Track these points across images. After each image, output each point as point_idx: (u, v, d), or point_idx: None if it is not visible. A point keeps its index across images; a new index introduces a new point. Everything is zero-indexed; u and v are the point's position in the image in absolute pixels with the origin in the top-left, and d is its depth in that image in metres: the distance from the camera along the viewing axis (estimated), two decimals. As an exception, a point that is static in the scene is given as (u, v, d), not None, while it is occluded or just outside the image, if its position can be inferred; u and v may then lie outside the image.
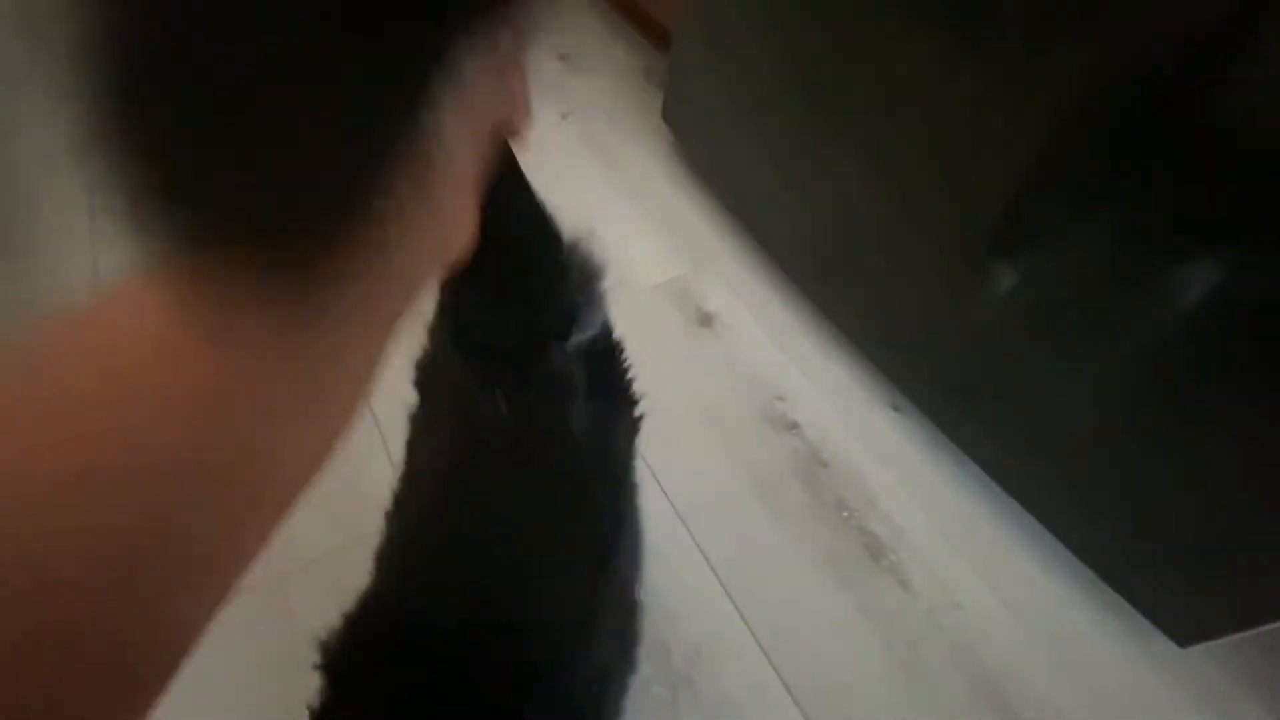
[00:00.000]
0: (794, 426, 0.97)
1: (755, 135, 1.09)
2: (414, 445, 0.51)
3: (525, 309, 0.43)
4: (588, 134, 1.38)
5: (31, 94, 1.16)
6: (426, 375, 0.53)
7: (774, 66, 1.01)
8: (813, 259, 1.07)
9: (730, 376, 1.02)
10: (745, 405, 0.99)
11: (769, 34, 1.01)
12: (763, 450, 0.94)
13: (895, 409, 1.01)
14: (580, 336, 0.46)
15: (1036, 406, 0.81)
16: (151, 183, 0.15)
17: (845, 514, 0.89)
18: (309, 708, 0.37)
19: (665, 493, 0.89)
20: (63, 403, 0.15)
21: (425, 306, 0.44)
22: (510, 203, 0.39)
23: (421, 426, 0.51)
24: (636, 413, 0.54)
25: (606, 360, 0.52)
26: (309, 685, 0.37)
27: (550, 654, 0.41)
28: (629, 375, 0.54)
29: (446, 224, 0.21)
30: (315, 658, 0.38)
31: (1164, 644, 0.77)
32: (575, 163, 1.32)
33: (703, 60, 1.16)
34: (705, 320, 1.08)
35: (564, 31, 1.62)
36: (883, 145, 0.88)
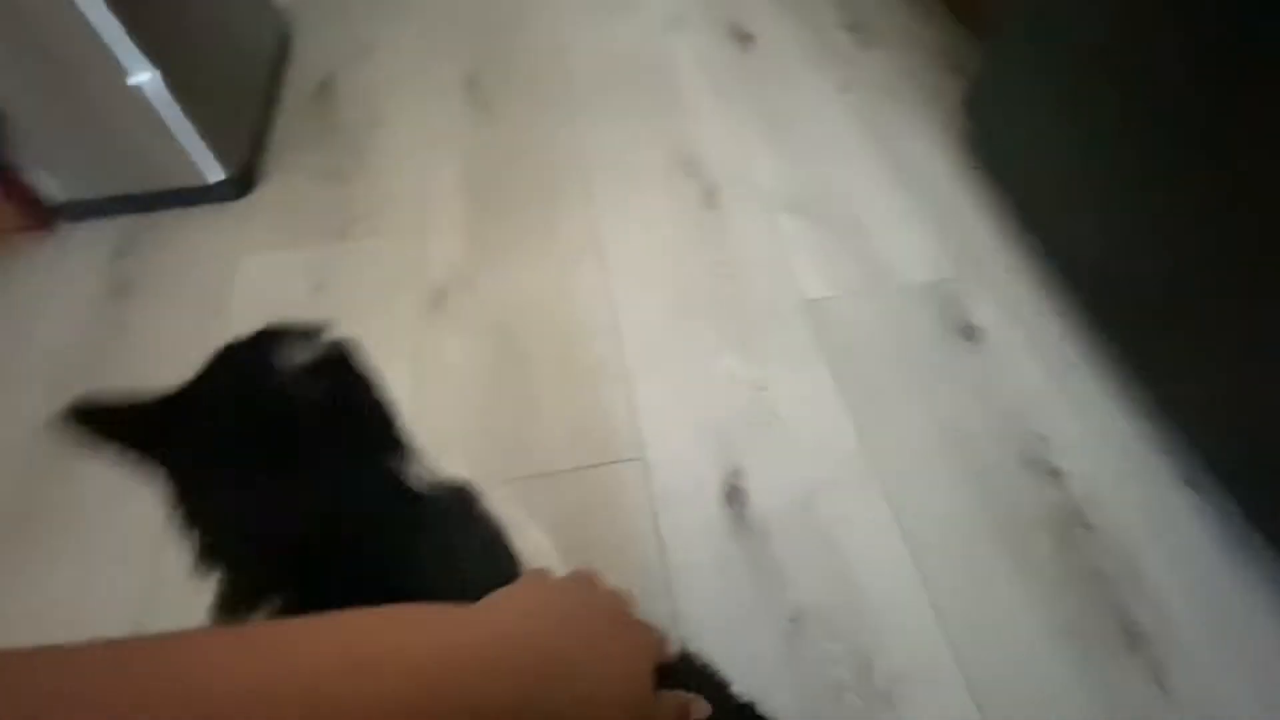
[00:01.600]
0: (1056, 474, 0.86)
1: (1074, 143, 0.94)
2: None
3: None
4: (866, 111, 1.30)
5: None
6: None
7: (1108, 73, 0.86)
8: (1114, 290, 0.92)
9: (988, 401, 0.92)
10: (1000, 437, 0.89)
11: (1106, 35, 0.86)
12: (1013, 491, 0.85)
13: (1190, 484, 0.84)
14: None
15: None
16: None
17: (1103, 587, 0.78)
18: None
19: (891, 505, 0.84)
20: None
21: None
22: None
23: None
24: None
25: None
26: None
27: None
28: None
29: None
30: None
31: None
32: (847, 140, 1.26)
33: (1027, 52, 1.02)
34: (968, 333, 0.99)
35: (855, -1, 1.53)
36: (1234, 180, 0.71)
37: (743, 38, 1.46)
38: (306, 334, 0.42)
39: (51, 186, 1.15)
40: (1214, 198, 0.75)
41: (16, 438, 0.93)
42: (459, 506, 0.43)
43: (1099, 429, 0.89)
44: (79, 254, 1.15)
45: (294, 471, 0.37)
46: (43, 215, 1.17)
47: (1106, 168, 0.90)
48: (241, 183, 1.19)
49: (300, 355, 0.40)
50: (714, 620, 0.77)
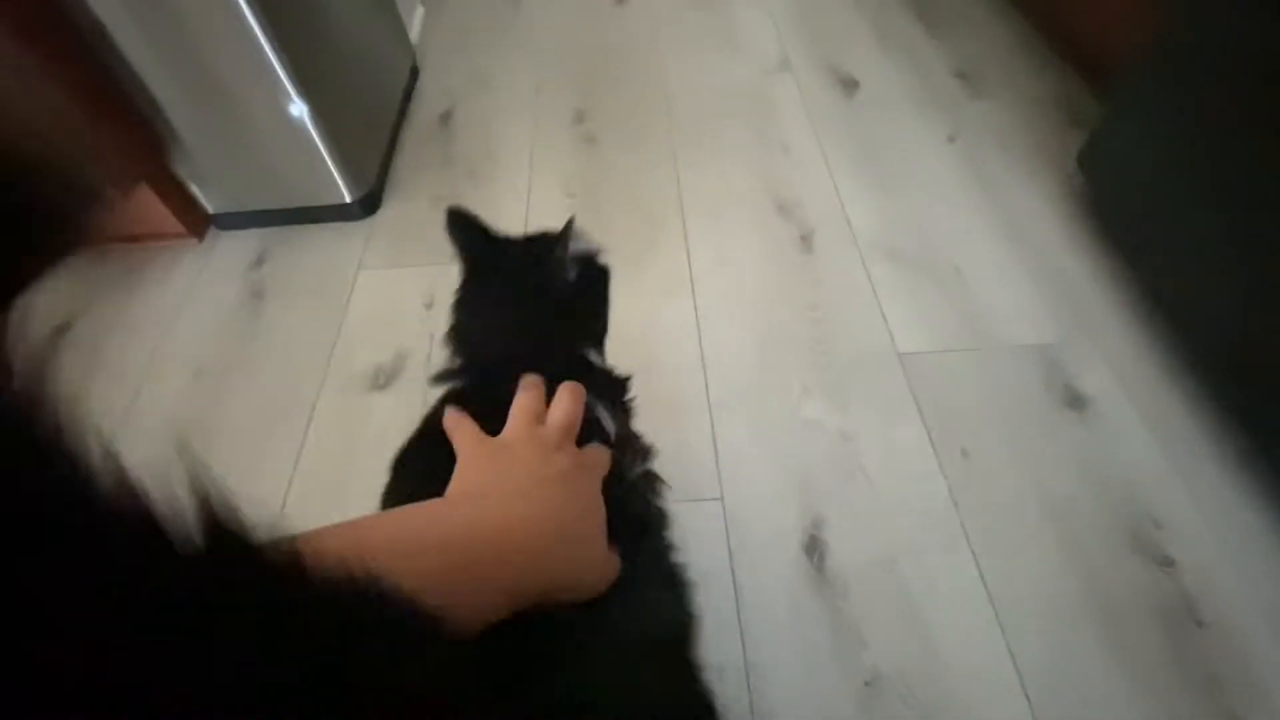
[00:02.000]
0: (1168, 563, 0.80)
1: (1196, 204, 0.89)
2: None
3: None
4: (974, 162, 1.27)
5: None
6: None
7: (1245, 132, 0.81)
8: (1244, 363, 0.85)
9: (1094, 476, 0.88)
10: (1107, 516, 0.84)
11: (1244, 93, 0.81)
12: (1119, 577, 0.80)
13: (1327, 590, 0.77)
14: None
15: None
16: None
17: (1217, 693, 0.72)
18: None
19: (981, 572, 0.81)
20: None
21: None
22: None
23: None
24: None
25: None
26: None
27: None
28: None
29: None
30: None
31: None
32: (953, 191, 1.23)
33: (1150, 107, 0.98)
34: (1075, 402, 0.94)
35: (967, 43, 1.51)
36: None
37: (847, 83, 1.46)
38: (587, 247, 0.56)
39: (206, 198, 1.29)
40: None
41: (155, 426, 1.04)
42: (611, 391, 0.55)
43: (1220, 517, 0.83)
44: (223, 260, 1.28)
45: (533, 315, 0.52)
46: (196, 224, 1.32)
47: (1235, 232, 0.84)
48: (368, 204, 1.30)
49: (576, 250, 0.54)
50: (786, 673, 0.76)
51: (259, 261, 1.26)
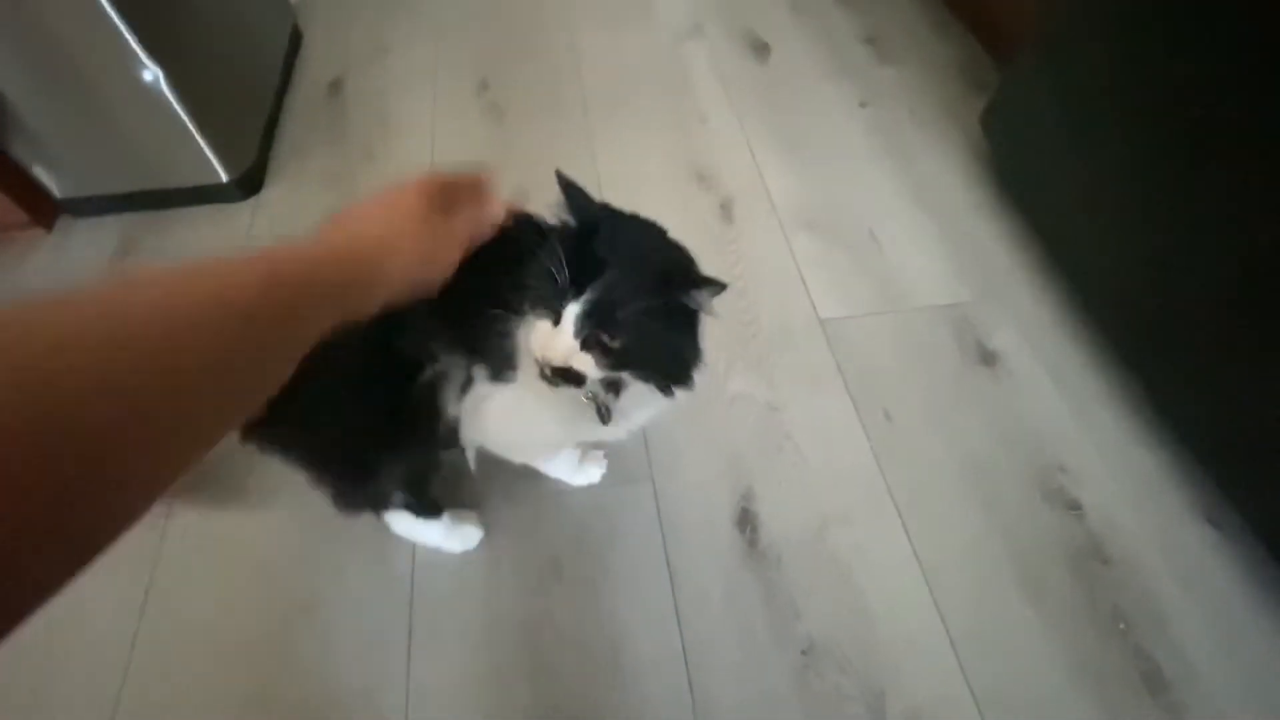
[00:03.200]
0: (1075, 507, 0.84)
1: (1092, 165, 0.93)
2: None
3: None
4: (885, 127, 1.28)
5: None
6: None
7: (1128, 94, 0.84)
8: (1136, 316, 0.90)
9: (1006, 429, 0.90)
10: (1019, 467, 0.87)
11: (1125, 56, 0.84)
12: (1031, 524, 0.83)
13: (1213, 523, 0.83)
14: None
15: None
16: None
17: (1122, 626, 0.76)
18: None
19: (908, 534, 0.82)
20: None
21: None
22: None
23: None
24: None
25: None
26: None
27: None
28: None
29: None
30: None
31: None
32: (865, 157, 1.24)
33: (1048, 72, 1.01)
34: (987, 359, 0.97)
35: (874, 10, 1.51)
36: (1261, 207, 0.70)
37: (759, 47, 1.44)
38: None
39: (52, 182, 1.12)
40: (1237, 226, 0.73)
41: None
42: None
43: (1119, 461, 0.88)
44: (79, 252, 1.13)
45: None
46: (43, 211, 1.15)
47: (1125, 193, 0.88)
48: (248, 183, 1.17)
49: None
50: (725, 653, 0.75)
51: (123, 252, 1.12)
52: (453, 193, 0.45)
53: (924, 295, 1.04)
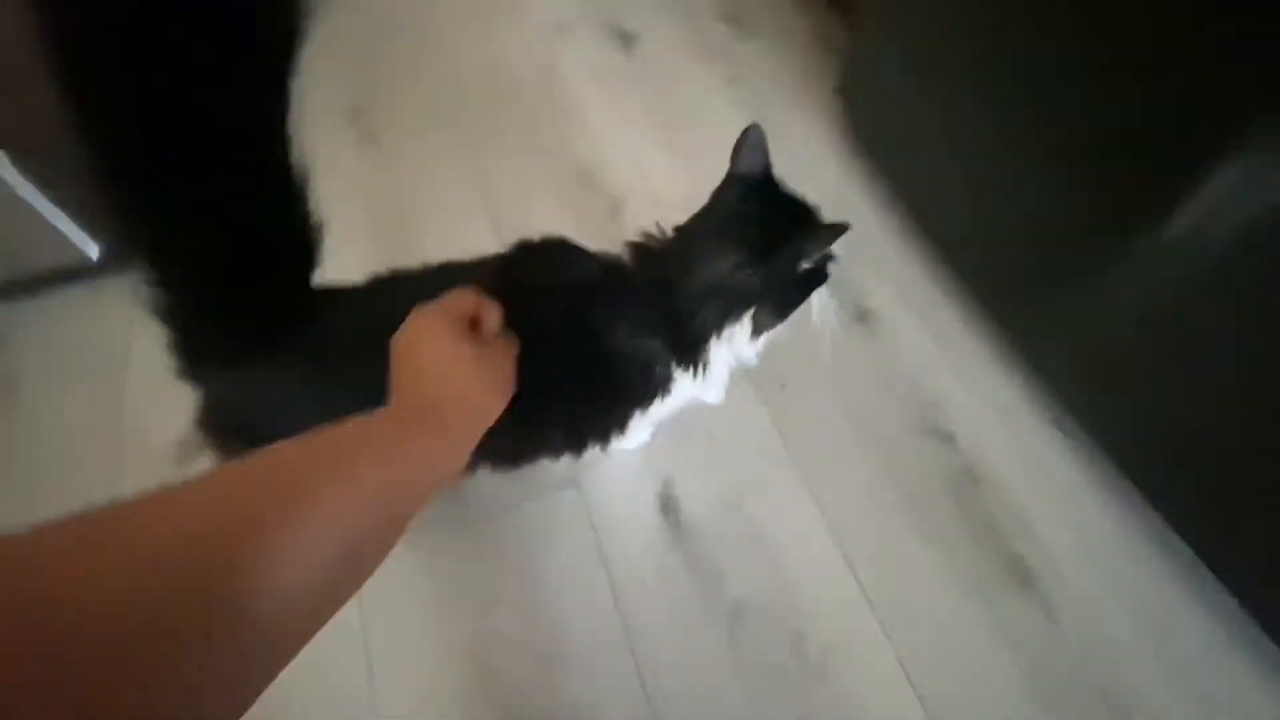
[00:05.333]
0: (949, 437, 0.96)
1: (939, 121, 1.02)
2: None
3: None
4: (751, 104, 1.34)
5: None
6: None
7: (966, 48, 0.93)
8: (986, 261, 1.01)
9: (886, 379, 1.01)
10: (900, 411, 0.98)
11: (964, 12, 0.93)
12: (914, 458, 0.94)
13: (1060, 430, 0.96)
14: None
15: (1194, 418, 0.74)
16: None
17: (994, 535, 0.88)
18: None
19: (810, 491, 0.92)
20: None
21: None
22: None
23: None
24: None
25: None
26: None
27: None
28: None
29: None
30: None
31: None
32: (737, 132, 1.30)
33: (893, 35, 1.09)
34: (862, 316, 1.07)
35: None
36: (1076, 138, 0.80)
37: (625, 38, 1.47)
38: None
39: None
40: (1057, 159, 0.83)
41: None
42: None
43: (986, 391, 1.00)
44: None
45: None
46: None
47: (968, 147, 0.97)
48: (123, 254, 1.12)
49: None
50: (663, 628, 0.83)
51: (-1, 348, 1.07)
52: (465, 315, 0.49)
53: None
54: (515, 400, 0.50)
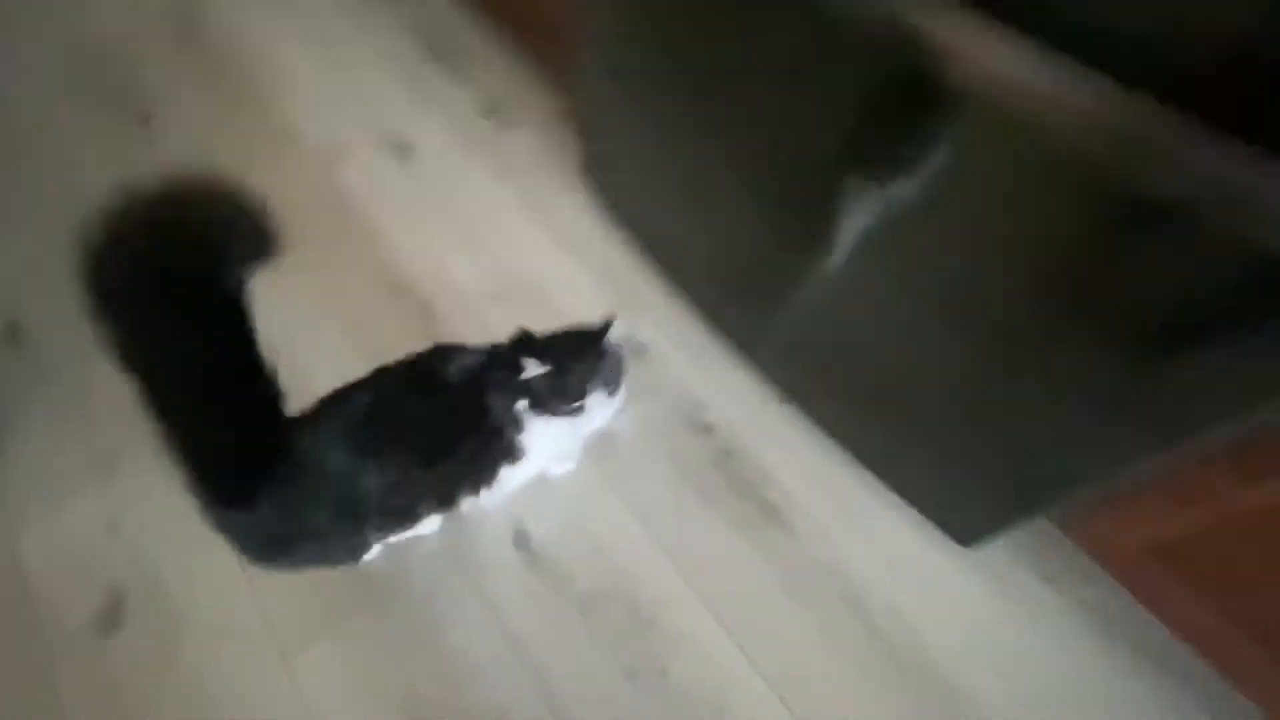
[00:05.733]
0: (710, 429, 1.32)
1: (659, 182, 1.32)
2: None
3: None
4: (521, 190, 1.62)
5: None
6: None
7: (662, 99, 1.18)
8: (713, 286, 1.38)
9: (660, 393, 1.35)
10: (677, 417, 1.33)
11: (650, 70, 1.17)
12: (692, 451, 1.29)
13: (784, 402, 1.35)
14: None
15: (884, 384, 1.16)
16: None
17: (749, 488, 1.26)
18: None
19: (621, 497, 1.24)
20: None
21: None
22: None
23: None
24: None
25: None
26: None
27: None
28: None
29: None
30: None
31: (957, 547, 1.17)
32: (513, 223, 1.58)
33: (603, 105, 1.36)
34: (639, 350, 1.40)
35: (485, 82, 1.81)
36: (754, 182, 1.08)
37: (401, 148, 1.69)
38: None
39: None
40: (747, 201, 1.16)
41: None
42: None
43: (726, 387, 1.37)
44: None
45: None
46: None
47: (687, 201, 1.31)
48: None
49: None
50: (540, 636, 1.12)
51: None
52: None
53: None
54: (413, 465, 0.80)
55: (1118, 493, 0.94)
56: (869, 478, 1.26)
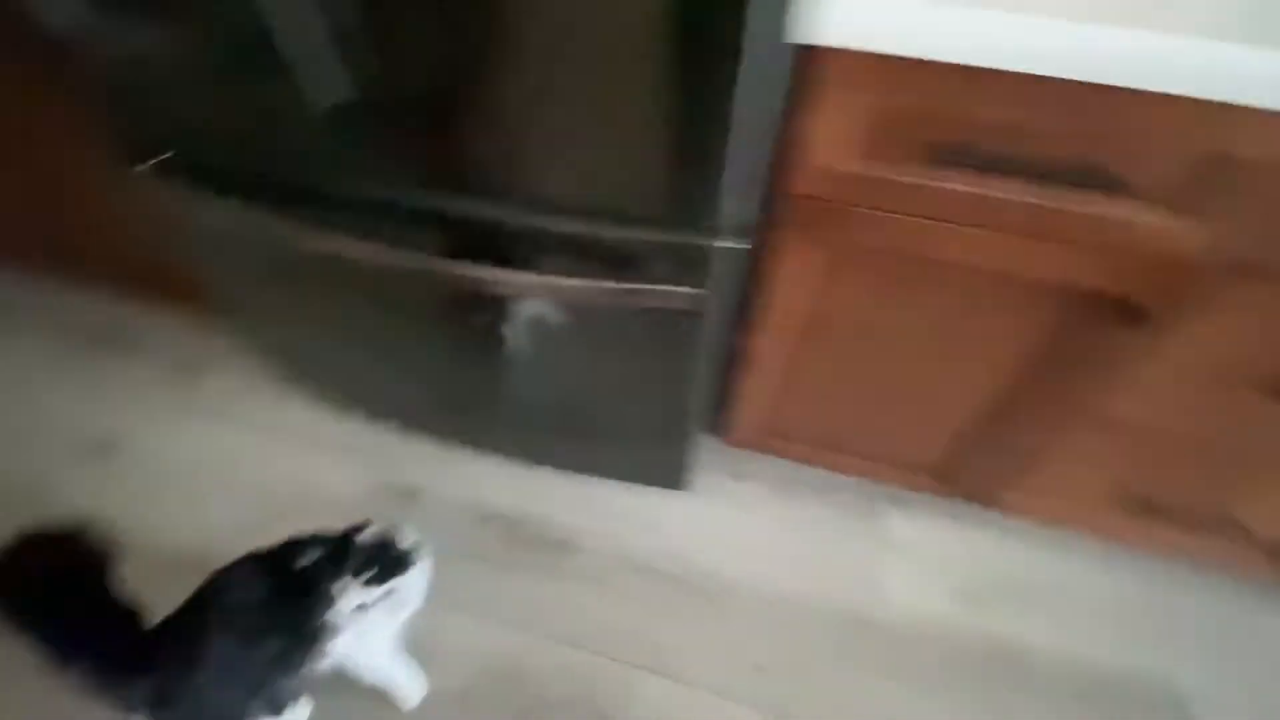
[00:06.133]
0: (489, 518, 1.66)
1: (327, 356, 1.53)
2: None
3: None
4: (244, 421, 1.80)
5: None
6: None
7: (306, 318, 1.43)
8: (436, 414, 1.71)
9: (447, 512, 1.66)
10: (464, 522, 1.64)
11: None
12: (488, 540, 1.62)
13: (534, 465, 1.75)
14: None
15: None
16: None
17: (540, 539, 1.64)
18: None
19: (468, 612, 1.52)
20: None
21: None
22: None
23: None
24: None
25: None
26: None
27: None
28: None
29: None
30: None
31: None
32: (252, 452, 1.74)
33: (253, 322, 1.56)
34: (409, 493, 1.69)
35: (158, 350, 1.93)
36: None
37: (104, 448, 1.75)
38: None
39: None
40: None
41: None
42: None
43: (485, 477, 1.72)
44: None
45: None
46: None
47: (358, 369, 1.63)
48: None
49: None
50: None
51: None
52: None
53: (347, 491, 1.69)
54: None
55: (722, 401, 1.51)
56: (609, 482, 1.72)
